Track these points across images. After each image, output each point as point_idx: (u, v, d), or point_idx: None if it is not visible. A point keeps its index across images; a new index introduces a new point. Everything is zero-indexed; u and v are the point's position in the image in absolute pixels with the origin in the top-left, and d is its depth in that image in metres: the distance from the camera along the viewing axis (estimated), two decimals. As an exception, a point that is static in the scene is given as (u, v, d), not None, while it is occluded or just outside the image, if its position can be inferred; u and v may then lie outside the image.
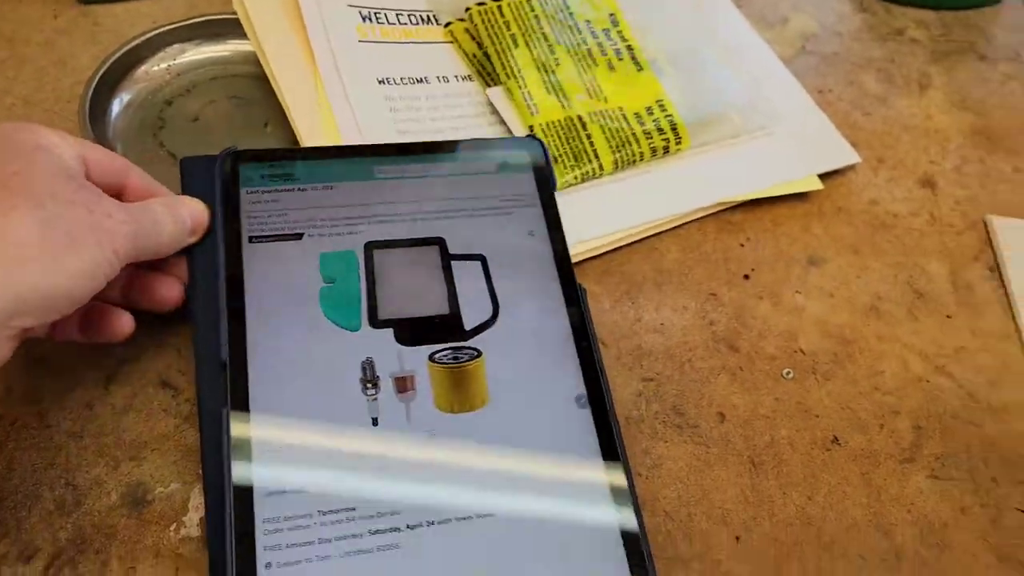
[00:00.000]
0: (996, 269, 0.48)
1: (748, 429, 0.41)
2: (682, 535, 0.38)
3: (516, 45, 0.52)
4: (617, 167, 0.49)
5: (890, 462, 0.41)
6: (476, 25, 0.53)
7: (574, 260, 0.45)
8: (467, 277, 0.41)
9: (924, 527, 0.39)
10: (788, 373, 0.43)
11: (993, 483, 0.40)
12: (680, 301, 0.46)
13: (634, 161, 0.49)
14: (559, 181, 0.48)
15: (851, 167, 0.53)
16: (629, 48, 0.54)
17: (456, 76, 0.52)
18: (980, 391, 0.43)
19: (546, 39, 0.53)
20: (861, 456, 0.41)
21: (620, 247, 0.48)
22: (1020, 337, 0.45)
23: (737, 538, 0.38)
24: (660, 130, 0.50)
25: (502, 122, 0.50)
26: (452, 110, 0.51)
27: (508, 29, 0.53)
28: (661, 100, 0.51)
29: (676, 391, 0.42)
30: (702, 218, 0.50)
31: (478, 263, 0.41)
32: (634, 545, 0.35)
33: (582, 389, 0.38)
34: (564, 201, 0.47)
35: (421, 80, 0.51)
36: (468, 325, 0.39)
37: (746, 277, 0.47)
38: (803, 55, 0.60)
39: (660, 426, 0.41)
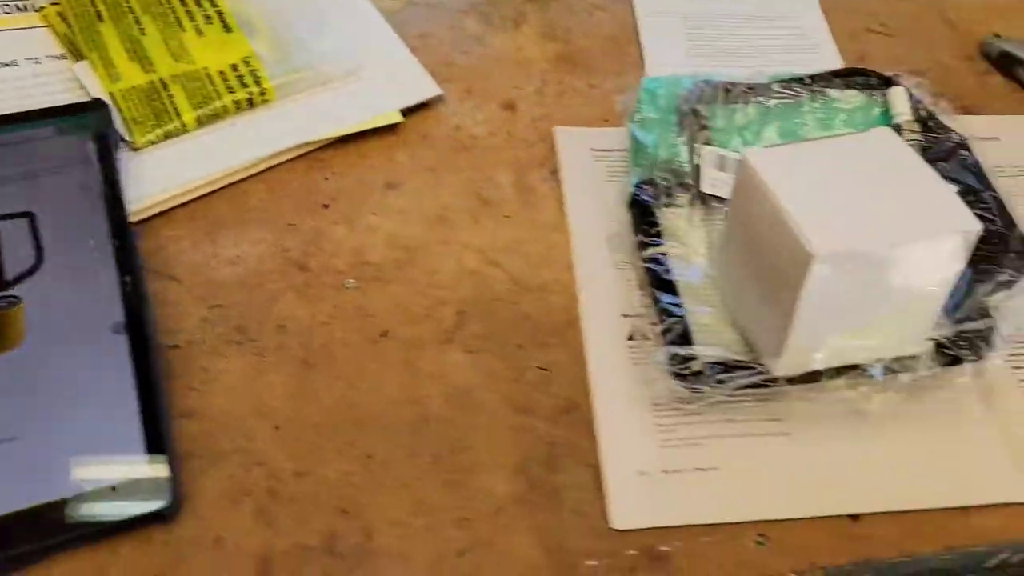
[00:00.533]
0: (556, 172, 0.55)
1: (305, 336, 0.45)
2: (225, 434, 0.41)
3: (101, 20, 0.55)
4: (201, 123, 0.53)
5: (431, 345, 0.46)
6: (64, 6, 0.56)
7: (159, 210, 0.49)
8: (16, 234, 0.44)
9: (452, 393, 0.44)
10: (350, 283, 0.48)
11: (519, 348, 0.46)
12: (259, 235, 0.50)
13: (218, 115, 0.53)
14: (140, 140, 0.51)
15: (440, 100, 0.58)
16: (219, 13, 0.57)
17: (49, 56, 0.55)
18: (524, 275, 0.49)
19: (132, 11, 0.56)
20: (407, 344, 0.46)
21: (208, 193, 0.51)
22: (567, 226, 0.52)
23: (276, 427, 0.42)
24: (244, 84, 0.54)
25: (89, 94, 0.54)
26: (41, 88, 0.54)
27: (93, 6, 0.56)
28: (247, 57, 0.55)
29: (240, 313, 0.46)
30: (292, 160, 0.54)
31: (26, 219, 0.45)
32: (156, 442, 0.39)
33: (120, 318, 0.42)
34: (150, 157, 0.51)
35: (9, 64, 0.54)
36: (9, 276, 0.42)
37: (325, 206, 0.52)
38: (409, 7, 0.65)
39: (222, 344, 0.45)
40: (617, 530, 0.40)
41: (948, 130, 0.52)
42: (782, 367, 0.41)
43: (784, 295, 0.39)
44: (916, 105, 0.53)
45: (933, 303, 0.41)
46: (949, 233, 0.38)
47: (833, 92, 0.54)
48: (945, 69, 0.63)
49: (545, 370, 0.45)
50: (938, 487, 0.42)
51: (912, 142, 0.50)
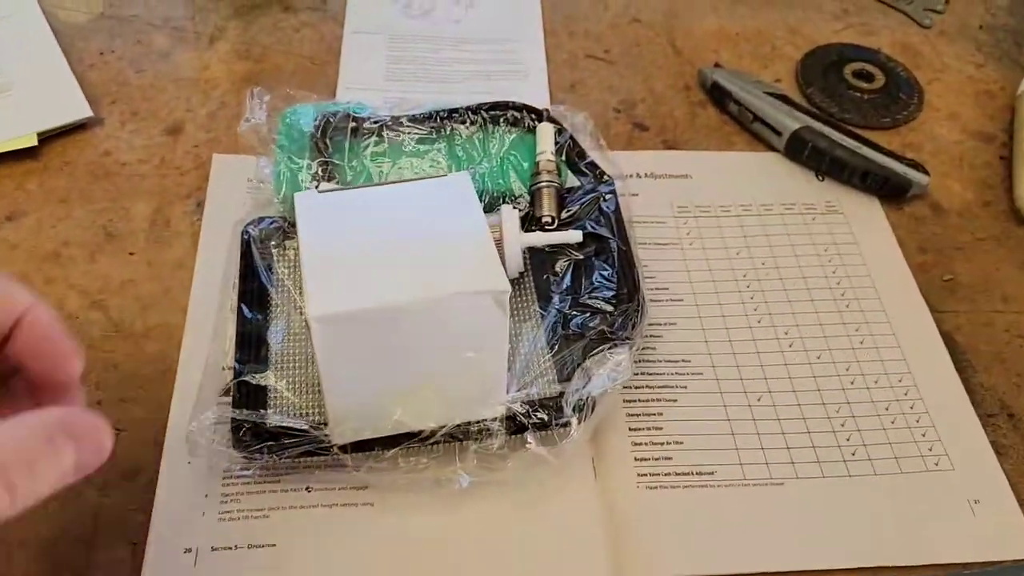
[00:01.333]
0: (203, 204, 0.51)
1: None
2: None
3: None
4: None
5: None
6: None
7: None
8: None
9: None
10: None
11: (96, 404, 0.41)
12: None
13: None
14: None
15: (98, 122, 0.54)
16: None
17: None
18: (128, 320, 0.45)
19: None
20: None
21: None
22: (194, 266, 0.48)
23: None
24: None
25: None
26: None
27: None
28: None
29: None
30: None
31: None
32: None
33: None
34: None
35: None
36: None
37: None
38: (100, 20, 0.61)
39: None
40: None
41: (598, 172, 0.48)
42: (337, 435, 0.38)
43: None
44: (568, 143, 0.49)
45: (489, 365, 0.37)
46: (472, 293, 0.34)
47: (492, 126, 0.50)
48: (657, 99, 0.60)
49: (120, 430, 0.41)
50: (526, 564, 0.39)
51: (545, 184, 0.46)
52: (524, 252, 0.44)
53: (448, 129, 0.49)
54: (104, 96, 0.55)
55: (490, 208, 0.46)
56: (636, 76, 0.61)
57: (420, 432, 0.38)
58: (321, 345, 0.33)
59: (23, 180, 0.50)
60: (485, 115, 0.49)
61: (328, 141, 0.47)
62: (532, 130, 0.49)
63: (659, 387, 0.45)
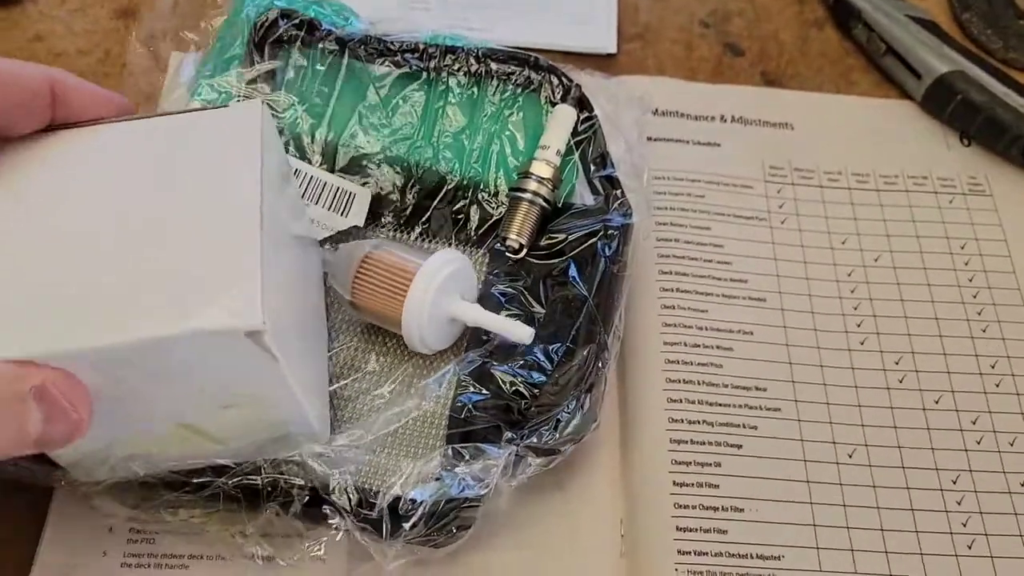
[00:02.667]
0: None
1: None
2: None
3: None
4: None
5: None
6: None
7: None
8: None
9: None
10: None
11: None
12: None
13: None
14: None
15: (35, -7, 0.43)
16: None
17: None
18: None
19: None
20: None
21: None
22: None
23: None
24: None
25: None
26: None
27: None
28: None
29: None
30: None
31: None
32: None
33: None
34: None
35: None
36: None
37: None
38: None
39: None
40: None
41: (614, 195, 0.33)
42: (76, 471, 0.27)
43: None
44: (590, 140, 0.34)
45: (271, 410, 0.26)
46: (200, 332, 0.23)
47: (495, 84, 0.35)
48: (760, 11, 0.45)
49: None
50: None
51: (526, 197, 0.33)
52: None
53: (438, 74, 0.35)
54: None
55: (452, 199, 0.34)
56: (730, -22, 0.48)
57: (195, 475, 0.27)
58: None
59: (-69, 67, 0.40)
60: (492, 66, 0.35)
61: (267, 50, 0.34)
62: (552, 103, 0.35)
63: (720, 425, 0.34)
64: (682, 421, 0.34)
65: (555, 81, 0.35)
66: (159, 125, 0.26)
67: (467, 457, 0.27)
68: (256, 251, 0.23)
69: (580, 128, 0.34)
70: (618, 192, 0.33)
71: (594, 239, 0.31)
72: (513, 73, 0.34)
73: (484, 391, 0.30)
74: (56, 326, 0.23)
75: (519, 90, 0.35)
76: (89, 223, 0.24)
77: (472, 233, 0.34)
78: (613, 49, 0.44)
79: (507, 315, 0.31)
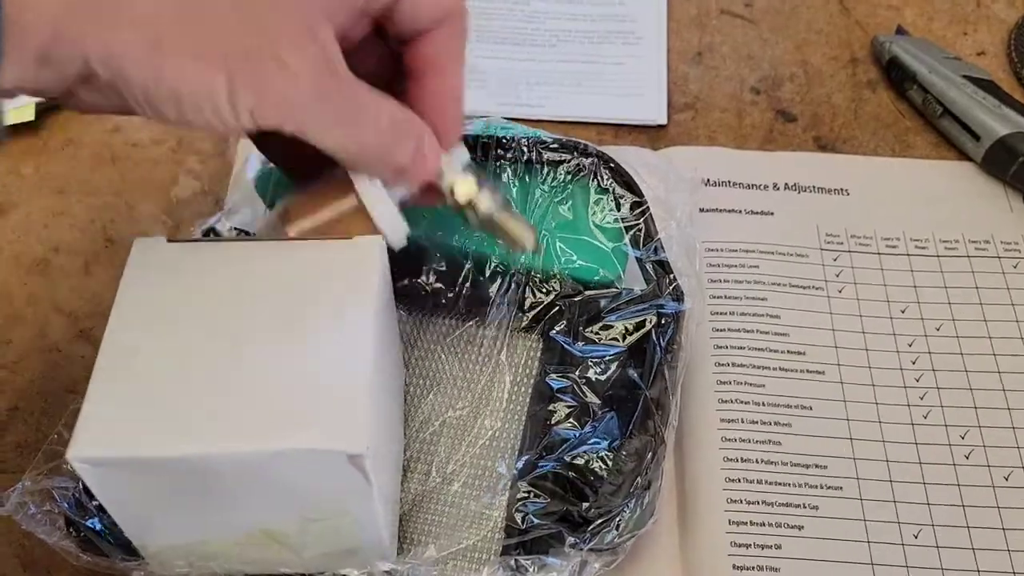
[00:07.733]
0: (223, 202, 0.41)
1: None
2: None
3: None
4: None
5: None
6: None
7: None
8: None
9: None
10: None
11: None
12: None
13: None
14: None
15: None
16: None
17: None
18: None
19: None
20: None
21: None
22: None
23: None
24: None
25: None
26: None
27: None
28: None
29: None
30: None
31: None
32: None
33: None
34: None
35: None
36: None
37: None
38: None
39: None
40: None
41: (668, 280, 0.33)
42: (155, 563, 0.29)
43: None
44: (639, 228, 0.33)
45: (349, 526, 0.27)
46: (307, 450, 0.24)
47: (545, 171, 0.35)
48: (812, 76, 0.45)
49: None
50: None
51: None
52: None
53: (491, 163, 0.35)
54: (124, 52, 0.46)
55: (506, 287, 0.34)
56: (786, 42, 0.47)
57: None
58: (92, 484, 0.24)
59: (19, 162, 0.42)
60: (543, 155, 0.35)
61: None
62: (605, 190, 0.35)
63: (780, 505, 0.34)
64: (741, 501, 0.33)
65: (605, 167, 0.34)
66: (295, 249, 0.28)
67: (531, 570, 0.27)
68: (367, 379, 0.25)
69: (631, 214, 0.34)
70: (670, 277, 0.33)
71: (648, 327, 0.32)
72: (563, 161, 0.34)
73: (543, 496, 0.30)
74: (183, 432, 0.24)
75: (568, 177, 0.35)
76: (215, 334, 0.26)
77: (525, 317, 0.34)
78: (664, 120, 0.44)
79: (564, 408, 0.31)
